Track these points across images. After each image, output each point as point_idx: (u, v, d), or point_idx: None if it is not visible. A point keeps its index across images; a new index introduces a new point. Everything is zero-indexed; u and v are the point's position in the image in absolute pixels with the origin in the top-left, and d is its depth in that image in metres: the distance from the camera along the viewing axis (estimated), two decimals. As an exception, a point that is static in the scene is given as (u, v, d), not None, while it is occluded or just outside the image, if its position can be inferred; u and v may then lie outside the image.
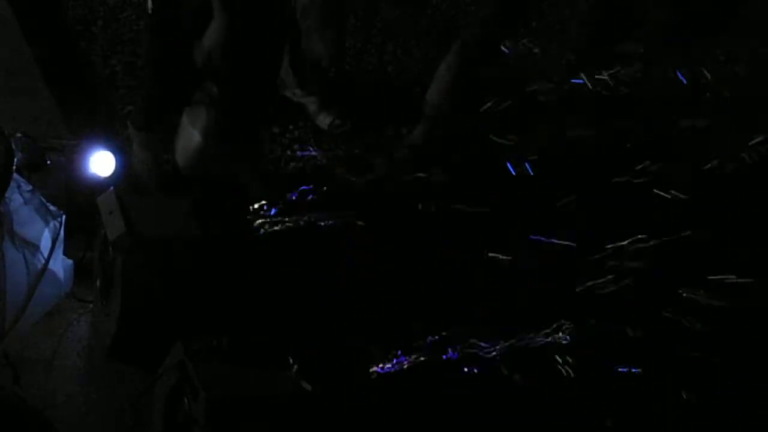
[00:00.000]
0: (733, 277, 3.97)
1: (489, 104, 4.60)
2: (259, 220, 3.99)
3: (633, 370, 3.62)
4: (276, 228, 3.99)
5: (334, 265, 3.93)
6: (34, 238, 3.54)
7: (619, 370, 3.61)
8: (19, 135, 3.75)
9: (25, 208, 3.55)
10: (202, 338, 3.16)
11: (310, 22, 4.64)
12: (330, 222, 4.10)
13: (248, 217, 3.98)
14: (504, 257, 3.97)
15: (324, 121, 4.76)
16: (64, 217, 3.64)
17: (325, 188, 4.24)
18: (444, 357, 3.55)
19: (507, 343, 3.63)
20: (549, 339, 3.67)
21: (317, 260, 3.93)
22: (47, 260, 3.54)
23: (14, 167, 3.47)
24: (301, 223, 4.04)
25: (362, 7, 5.51)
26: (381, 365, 3.49)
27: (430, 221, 4.21)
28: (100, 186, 3.81)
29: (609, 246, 4.06)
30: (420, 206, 4.30)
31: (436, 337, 3.60)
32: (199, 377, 3.05)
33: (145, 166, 4.18)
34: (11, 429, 3.11)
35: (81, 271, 3.71)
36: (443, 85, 4.42)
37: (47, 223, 3.59)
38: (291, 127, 4.80)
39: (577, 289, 3.89)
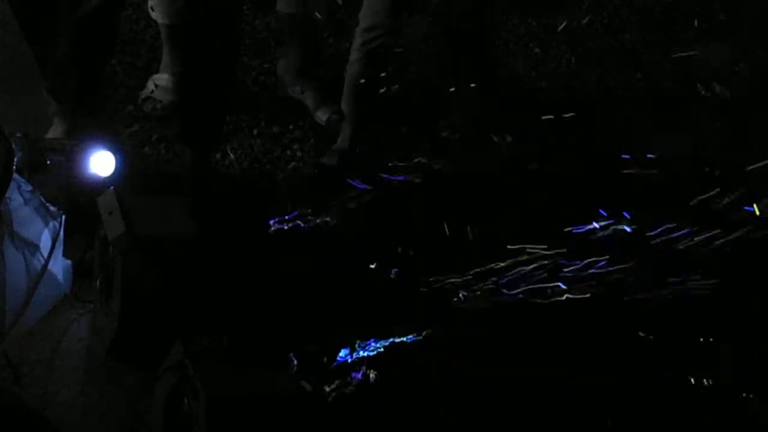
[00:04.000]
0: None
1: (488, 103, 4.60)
2: (260, 220, 3.99)
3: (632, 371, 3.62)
4: (276, 227, 3.99)
5: (334, 264, 3.93)
6: (34, 238, 3.53)
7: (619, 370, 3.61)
8: (19, 135, 3.75)
9: (25, 208, 3.54)
10: (202, 338, 3.16)
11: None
12: (330, 221, 4.10)
13: (248, 216, 3.98)
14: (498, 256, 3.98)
15: (322, 116, 4.78)
16: (64, 217, 3.64)
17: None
18: (442, 356, 3.55)
19: (505, 343, 3.63)
20: (547, 339, 3.67)
21: (317, 260, 3.94)
22: (47, 260, 3.54)
23: (14, 167, 3.47)
24: (302, 222, 4.04)
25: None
26: (380, 363, 3.49)
27: (427, 220, 4.21)
28: (100, 186, 3.80)
29: (605, 246, 4.06)
30: (416, 205, 4.30)
31: (434, 334, 3.61)
32: (199, 377, 3.05)
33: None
34: (11, 429, 3.11)
35: (81, 271, 3.71)
36: (348, 89, 4.50)
37: (47, 223, 3.58)
38: (291, 127, 4.80)
39: (573, 289, 3.89)
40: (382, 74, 4.48)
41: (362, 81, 4.44)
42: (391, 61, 4.57)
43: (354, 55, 4.44)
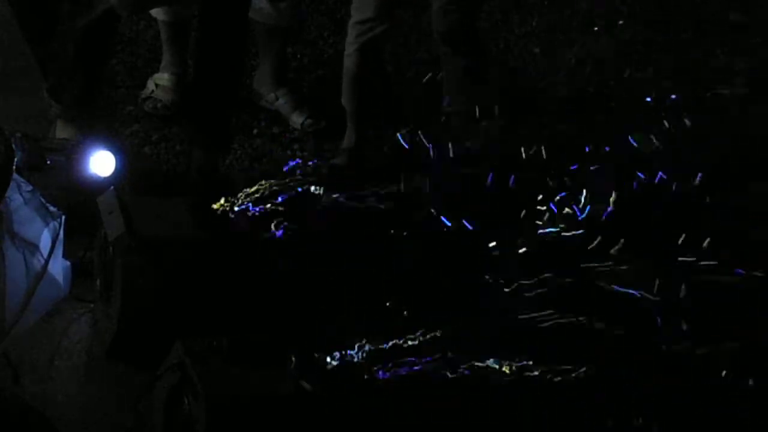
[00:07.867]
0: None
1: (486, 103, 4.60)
2: (259, 219, 4.00)
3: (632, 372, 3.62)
4: (276, 227, 3.99)
5: (334, 264, 3.94)
6: (34, 238, 3.54)
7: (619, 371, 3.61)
8: (19, 135, 3.75)
9: (25, 208, 3.55)
10: (202, 338, 3.16)
11: None
12: (330, 221, 4.11)
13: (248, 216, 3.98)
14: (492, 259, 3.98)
15: (297, 120, 4.79)
16: (64, 217, 3.64)
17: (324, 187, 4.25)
18: (442, 355, 3.55)
19: (504, 342, 3.63)
20: (548, 340, 3.67)
21: (317, 259, 3.94)
22: (47, 260, 3.54)
23: (14, 167, 3.47)
24: (302, 222, 4.05)
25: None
26: (380, 365, 3.49)
27: (424, 222, 4.21)
28: (100, 186, 3.81)
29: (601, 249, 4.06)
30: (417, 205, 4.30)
31: (433, 335, 3.61)
32: (199, 377, 3.05)
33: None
34: (11, 429, 3.11)
35: (81, 271, 3.71)
36: (345, 84, 4.48)
37: (47, 223, 3.58)
38: (291, 127, 4.81)
39: (570, 289, 3.89)
40: (378, 66, 4.48)
41: (358, 74, 4.43)
42: (385, 53, 4.55)
43: (349, 49, 4.43)
